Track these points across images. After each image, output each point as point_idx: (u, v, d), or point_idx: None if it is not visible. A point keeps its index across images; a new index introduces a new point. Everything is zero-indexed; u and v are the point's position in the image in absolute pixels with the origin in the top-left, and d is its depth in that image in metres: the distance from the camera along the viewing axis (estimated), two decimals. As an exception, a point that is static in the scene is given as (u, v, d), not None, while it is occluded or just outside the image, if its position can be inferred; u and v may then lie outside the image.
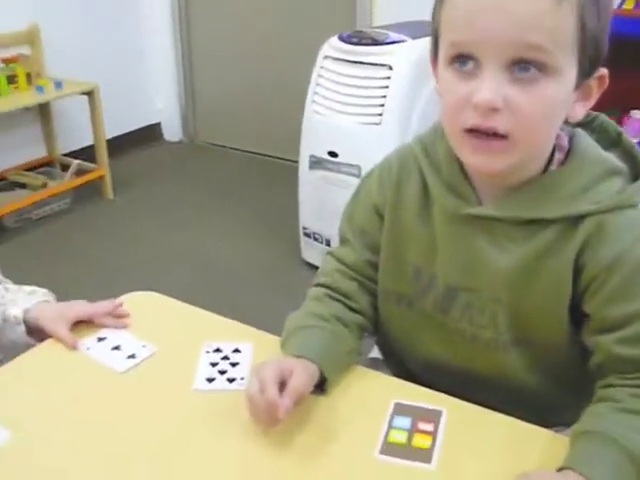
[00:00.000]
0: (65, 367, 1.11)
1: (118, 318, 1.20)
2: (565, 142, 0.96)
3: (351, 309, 1.10)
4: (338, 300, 1.10)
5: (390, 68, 2.53)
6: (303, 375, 0.95)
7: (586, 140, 0.97)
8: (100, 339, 1.16)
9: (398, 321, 1.12)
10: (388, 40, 2.60)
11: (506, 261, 0.96)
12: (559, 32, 0.83)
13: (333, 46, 2.68)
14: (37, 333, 1.19)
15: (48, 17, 3.66)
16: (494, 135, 0.86)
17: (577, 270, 0.94)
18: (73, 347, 1.14)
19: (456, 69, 0.88)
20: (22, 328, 1.18)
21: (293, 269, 2.94)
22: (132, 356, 1.12)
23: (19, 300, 1.21)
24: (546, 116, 0.87)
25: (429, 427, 0.95)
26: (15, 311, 1.18)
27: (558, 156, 0.95)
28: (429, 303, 1.06)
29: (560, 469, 0.84)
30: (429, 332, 1.08)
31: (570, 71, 0.86)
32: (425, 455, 0.91)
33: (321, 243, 2.85)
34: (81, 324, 1.18)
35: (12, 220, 3.38)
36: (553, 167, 0.95)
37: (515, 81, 0.84)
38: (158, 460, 0.92)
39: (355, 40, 2.64)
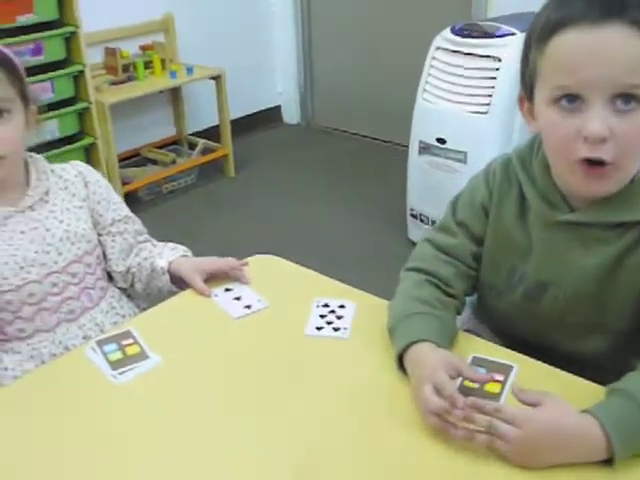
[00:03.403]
0: (198, 311, 1.34)
1: (243, 273, 1.41)
2: None
3: (447, 294, 1.20)
4: (437, 285, 1.20)
5: (499, 60, 2.65)
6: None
7: None
8: (227, 289, 1.39)
9: (488, 306, 1.28)
10: (498, 33, 2.71)
11: (594, 260, 1.10)
12: None
13: (445, 38, 2.82)
14: (178, 282, 1.42)
15: (181, 7, 3.94)
16: (601, 164, 0.99)
17: None
18: (206, 295, 1.36)
19: (562, 107, 0.99)
20: (167, 277, 1.42)
21: (399, 247, 3.09)
22: (248, 306, 1.34)
23: (164, 254, 1.45)
24: None
25: (500, 377, 1.10)
26: (162, 263, 1.43)
27: None
28: (517, 295, 1.20)
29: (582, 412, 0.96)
30: (517, 317, 1.23)
31: None
32: (494, 399, 1.05)
33: (427, 224, 3.00)
34: (215, 276, 1.41)
35: (145, 193, 3.71)
36: (636, 178, 1.07)
37: (617, 113, 0.96)
38: (271, 384, 1.14)
39: (466, 32, 2.77)
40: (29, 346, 1.35)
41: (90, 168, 1.49)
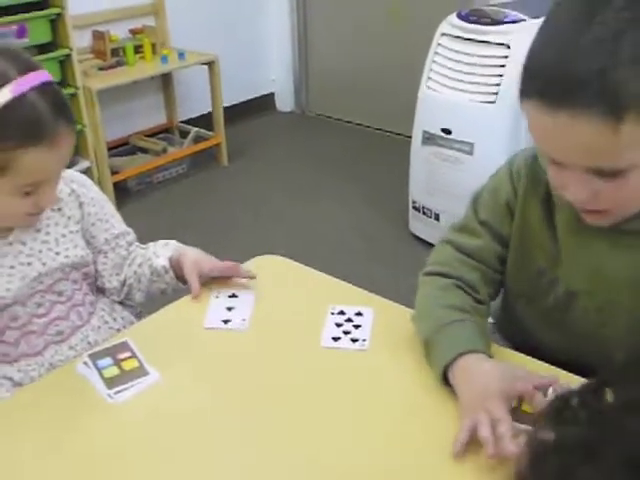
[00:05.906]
0: (199, 320, 1.22)
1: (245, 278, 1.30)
2: None
3: (476, 300, 1.12)
4: (465, 290, 1.12)
5: (508, 47, 2.54)
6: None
7: None
8: (232, 296, 1.27)
9: (515, 318, 1.19)
10: (507, 19, 2.60)
11: (627, 268, 1.02)
12: (627, 148, 0.83)
13: (451, 24, 2.70)
14: (182, 278, 1.30)
15: (173, -11, 3.81)
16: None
17: None
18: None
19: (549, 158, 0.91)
20: (171, 274, 1.30)
21: (400, 241, 3.00)
22: (225, 321, 1.21)
23: (159, 252, 1.33)
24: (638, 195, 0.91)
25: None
26: (162, 261, 1.30)
27: None
28: (549, 303, 1.11)
29: None
30: (546, 331, 1.14)
31: None
32: (528, 419, 0.93)
33: (429, 217, 2.90)
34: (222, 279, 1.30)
35: (134, 183, 3.58)
36: None
37: (600, 173, 0.87)
38: (285, 402, 1.03)
39: (473, 18, 2.65)
40: (15, 368, 1.22)
41: (84, 181, 1.32)
